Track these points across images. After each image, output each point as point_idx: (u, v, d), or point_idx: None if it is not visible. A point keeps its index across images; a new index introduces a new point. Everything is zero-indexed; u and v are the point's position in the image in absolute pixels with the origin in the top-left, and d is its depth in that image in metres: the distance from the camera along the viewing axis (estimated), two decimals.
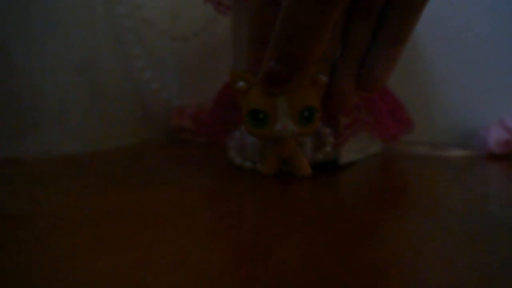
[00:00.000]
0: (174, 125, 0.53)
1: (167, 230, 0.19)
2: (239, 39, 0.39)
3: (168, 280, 0.13)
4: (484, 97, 0.53)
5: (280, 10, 0.22)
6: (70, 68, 0.42)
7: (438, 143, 0.53)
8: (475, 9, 0.52)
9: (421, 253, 0.16)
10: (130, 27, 0.48)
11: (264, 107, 0.27)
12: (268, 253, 0.16)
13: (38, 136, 0.39)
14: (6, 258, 0.15)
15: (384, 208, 0.24)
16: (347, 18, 0.26)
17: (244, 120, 0.28)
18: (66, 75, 0.42)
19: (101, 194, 0.25)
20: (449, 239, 0.18)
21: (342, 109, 0.29)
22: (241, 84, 0.27)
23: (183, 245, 0.17)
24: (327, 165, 0.33)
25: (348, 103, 0.28)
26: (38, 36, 0.39)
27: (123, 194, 0.25)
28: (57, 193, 0.26)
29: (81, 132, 0.43)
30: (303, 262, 0.15)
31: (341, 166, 0.36)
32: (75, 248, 0.16)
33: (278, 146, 0.29)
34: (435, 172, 0.37)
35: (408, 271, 0.15)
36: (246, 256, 0.16)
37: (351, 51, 0.26)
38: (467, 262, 0.15)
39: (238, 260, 0.15)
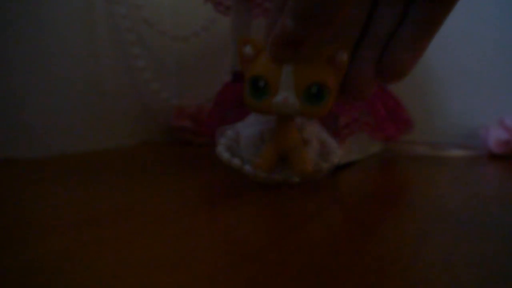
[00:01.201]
0: (174, 125, 0.53)
1: (167, 230, 0.19)
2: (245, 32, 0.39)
3: (168, 280, 0.13)
4: (484, 97, 0.53)
5: None
6: (70, 68, 0.42)
7: (438, 143, 0.53)
8: (475, 9, 0.52)
9: (421, 253, 0.16)
10: (130, 27, 0.48)
11: (265, 73, 0.24)
12: (267, 253, 0.16)
13: (37, 136, 0.39)
14: (6, 258, 0.15)
15: (384, 208, 0.24)
16: None
17: (244, 91, 0.25)
18: (66, 75, 0.42)
19: (101, 194, 0.25)
20: (449, 239, 0.18)
21: (358, 98, 0.24)
22: (248, 48, 0.24)
23: (183, 245, 0.17)
24: None
25: (366, 92, 0.24)
26: (38, 36, 0.39)
27: (123, 194, 0.25)
28: (57, 193, 0.26)
29: (81, 132, 0.43)
30: (303, 262, 0.15)
31: (341, 166, 0.36)
32: (75, 248, 0.16)
33: (277, 134, 0.26)
34: (435, 172, 0.37)
35: (408, 271, 0.15)
36: (246, 255, 0.16)
37: (375, 34, 0.23)
38: (467, 262, 0.15)
39: (237, 260, 0.15)
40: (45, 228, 0.19)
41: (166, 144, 0.52)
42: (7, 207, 0.23)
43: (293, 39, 0.22)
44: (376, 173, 0.36)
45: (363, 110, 0.38)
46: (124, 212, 0.21)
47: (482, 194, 0.28)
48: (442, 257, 0.16)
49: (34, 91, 0.39)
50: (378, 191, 0.28)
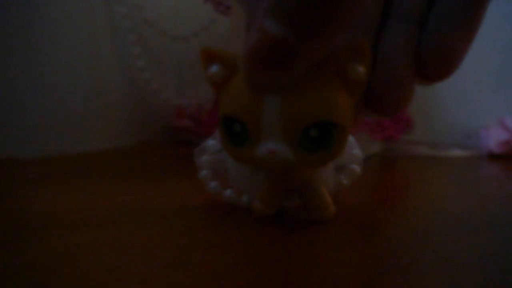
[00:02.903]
0: (174, 125, 0.53)
1: (167, 230, 0.19)
2: (240, 39, 0.39)
3: (168, 280, 0.13)
4: (484, 97, 0.53)
5: None
6: (70, 68, 0.42)
7: (438, 143, 0.53)
8: None
9: (421, 253, 0.16)
10: (130, 27, 0.48)
11: (240, 111, 0.16)
12: (268, 253, 0.16)
13: (37, 136, 0.39)
14: (6, 258, 0.15)
15: (384, 208, 0.24)
16: None
17: (219, 131, 0.18)
18: (66, 75, 0.42)
19: (101, 194, 0.25)
20: (449, 239, 0.18)
21: (392, 111, 0.16)
22: (214, 69, 0.16)
23: (183, 245, 0.17)
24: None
25: (405, 100, 0.16)
26: (37, 36, 0.39)
27: (123, 194, 0.25)
28: (57, 193, 0.26)
29: (81, 132, 0.43)
30: (303, 262, 0.15)
31: None
32: (75, 248, 0.16)
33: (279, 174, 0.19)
34: (435, 172, 0.37)
35: (408, 271, 0.15)
36: (246, 255, 0.16)
37: (404, 11, 0.16)
38: (467, 262, 0.15)
39: (238, 260, 0.15)
40: (45, 228, 0.19)
41: (166, 144, 0.52)
42: (7, 207, 0.23)
43: (280, 53, 0.14)
44: (376, 173, 0.36)
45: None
46: (124, 212, 0.21)
47: (482, 194, 0.28)
48: (442, 257, 0.16)
49: (34, 91, 0.39)
50: (378, 191, 0.28)
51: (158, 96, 0.52)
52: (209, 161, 0.21)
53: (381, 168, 0.39)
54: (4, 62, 0.37)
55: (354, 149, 0.20)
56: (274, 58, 0.14)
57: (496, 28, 0.52)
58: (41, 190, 0.26)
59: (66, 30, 0.41)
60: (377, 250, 0.17)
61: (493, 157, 0.45)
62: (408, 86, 0.16)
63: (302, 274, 0.14)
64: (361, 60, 0.15)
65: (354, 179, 0.21)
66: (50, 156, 0.39)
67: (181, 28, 0.54)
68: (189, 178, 0.31)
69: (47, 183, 0.29)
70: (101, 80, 0.46)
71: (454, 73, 0.16)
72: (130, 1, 0.49)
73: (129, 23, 0.48)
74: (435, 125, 0.55)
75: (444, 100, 0.55)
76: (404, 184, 0.33)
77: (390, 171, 0.38)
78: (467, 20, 0.15)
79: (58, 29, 0.41)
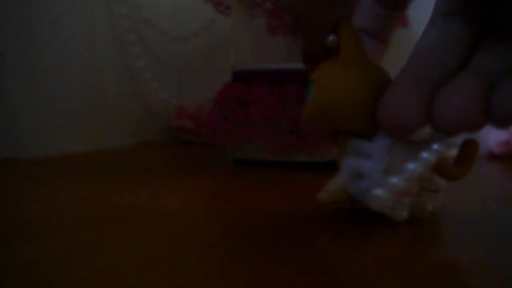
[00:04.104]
0: (174, 125, 0.53)
1: (167, 230, 0.19)
2: (241, 38, 0.39)
3: (168, 280, 0.13)
4: None
5: None
6: (70, 68, 0.42)
7: None
8: None
9: (421, 253, 0.16)
10: (130, 27, 0.48)
11: None
12: (268, 253, 0.16)
13: (37, 136, 0.39)
14: (6, 258, 0.15)
15: None
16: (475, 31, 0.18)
17: None
18: (66, 75, 0.42)
19: (101, 194, 0.25)
20: (449, 239, 0.18)
21: (450, 133, 0.18)
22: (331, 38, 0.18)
23: (183, 245, 0.17)
24: (328, 165, 0.33)
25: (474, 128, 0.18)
26: (37, 37, 0.39)
27: (123, 194, 0.25)
28: (57, 193, 0.26)
29: (81, 132, 0.43)
30: (304, 262, 0.15)
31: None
32: (75, 248, 0.16)
33: None
34: None
35: (409, 271, 0.15)
36: (246, 256, 0.16)
37: (480, 66, 0.17)
38: (467, 262, 0.15)
39: (238, 260, 0.15)
40: (45, 228, 0.19)
41: (166, 144, 0.52)
42: (7, 207, 0.23)
43: (307, 56, 0.19)
44: None
45: None
46: (124, 212, 0.21)
47: (482, 194, 0.28)
48: (442, 257, 0.16)
49: (34, 91, 0.39)
50: None
51: (158, 96, 0.52)
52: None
53: None
54: (3, 62, 0.37)
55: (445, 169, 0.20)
56: (306, 59, 0.20)
57: None
58: (41, 190, 0.26)
59: (66, 30, 0.41)
60: (377, 250, 0.17)
61: (493, 157, 0.45)
62: (475, 123, 0.17)
63: (301, 275, 0.14)
64: (335, 30, 0.18)
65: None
66: (50, 156, 0.39)
67: (181, 28, 0.54)
68: (189, 178, 0.31)
69: (47, 183, 0.29)
70: (101, 81, 0.46)
71: None
72: (130, 1, 0.49)
73: (129, 23, 0.48)
74: None
75: None
76: None
77: None
78: None
79: (58, 29, 0.41)
